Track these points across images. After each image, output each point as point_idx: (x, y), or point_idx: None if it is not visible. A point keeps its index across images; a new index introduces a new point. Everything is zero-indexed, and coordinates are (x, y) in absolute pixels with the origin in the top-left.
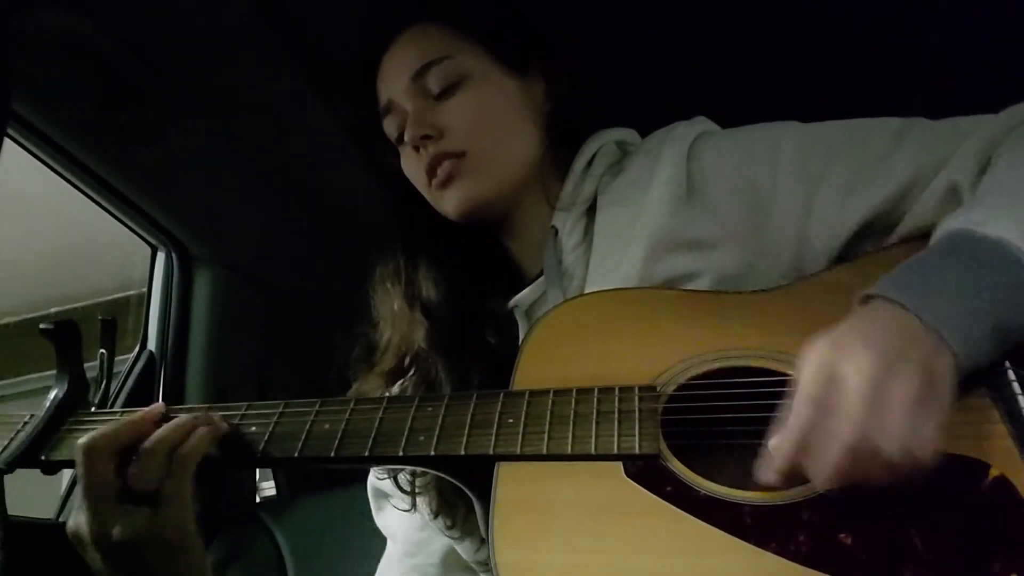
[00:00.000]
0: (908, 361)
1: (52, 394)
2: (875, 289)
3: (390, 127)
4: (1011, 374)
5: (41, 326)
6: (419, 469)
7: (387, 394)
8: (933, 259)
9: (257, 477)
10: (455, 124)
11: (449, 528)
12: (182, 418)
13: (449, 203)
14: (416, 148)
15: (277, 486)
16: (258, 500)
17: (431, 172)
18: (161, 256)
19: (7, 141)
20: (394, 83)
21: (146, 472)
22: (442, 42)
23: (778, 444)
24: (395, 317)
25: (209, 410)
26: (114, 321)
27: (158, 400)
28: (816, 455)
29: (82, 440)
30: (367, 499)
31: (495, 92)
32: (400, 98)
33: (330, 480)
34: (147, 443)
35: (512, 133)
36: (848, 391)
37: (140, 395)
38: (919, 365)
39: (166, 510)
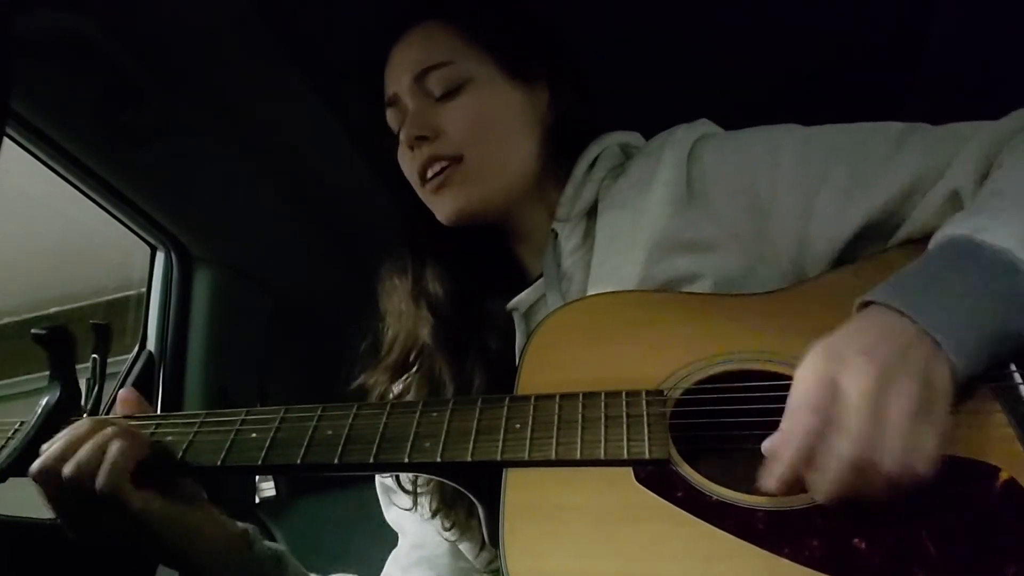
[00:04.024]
0: (906, 371)
1: (44, 400)
2: (873, 295)
3: (392, 120)
4: (1017, 377)
5: (33, 331)
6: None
7: (392, 390)
8: (933, 265)
9: (257, 478)
10: (452, 128)
11: (447, 529)
12: (93, 439)
13: (441, 209)
14: (411, 148)
15: (276, 487)
16: (257, 500)
17: (423, 173)
18: (161, 256)
19: (7, 141)
20: (399, 78)
21: (81, 487)
22: (447, 45)
23: (777, 451)
24: (401, 313)
25: (162, 423)
26: (107, 326)
27: (158, 400)
28: (817, 468)
29: (32, 467)
30: (366, 500)
31: (496, 99)
32: (403, 94)
33: (329, 481)
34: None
35: (510, 142)
36: (849, 405)
37: None
38: (917, 375)
39: (128, 513)
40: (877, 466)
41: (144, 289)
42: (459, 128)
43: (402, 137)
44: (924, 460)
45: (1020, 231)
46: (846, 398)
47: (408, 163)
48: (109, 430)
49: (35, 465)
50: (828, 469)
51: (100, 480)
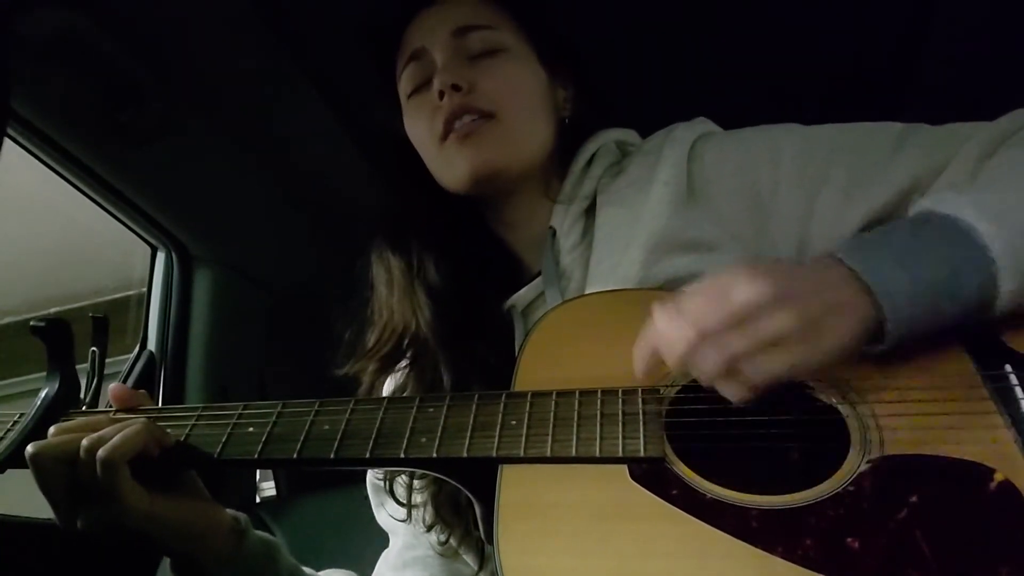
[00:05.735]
0: (800, 305)
1: (43, 393)
2: (829, 252)
3: (411, 75)
4: (1013, 378)
5: (32, 324)
6: (417, 477)
7: (383, 381)
8: (889, 228)
9: (257, 477)
10: (489, 84)
11: (442, 544)
12: (104, 425)
13: (463, 162)
14: (441, 96)
15: (277, 486)
16: (258, 500)
17: (449, 123)
18: (161, 256)
19: (7, 141)
20: (432, 32)
21: (82, 476)
22: (491, 13)
23: (658, 319)
24: (394, 295)
25: (159, 417)
26: (106, 319)
27: (158, 401)
28: (672, 338)
29: (29, 449)
30: (366, 499)
31: (530, 74)
32: (434, 47)
33: (330, 480)
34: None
35: (537, 117)
36: (726, 301)
37: None
38: (811, 312)
39: (118, 504)
40: (708, 355)
41: (144, 289)
42: (495, 86)
43: (436, 83)
44: (761, 374)
45: (976, 201)
46: (731, 295)
47: (429, 117)
48: (106, 419)
49: (33, 447)
50: (677, 341)
51: (101, 456)
